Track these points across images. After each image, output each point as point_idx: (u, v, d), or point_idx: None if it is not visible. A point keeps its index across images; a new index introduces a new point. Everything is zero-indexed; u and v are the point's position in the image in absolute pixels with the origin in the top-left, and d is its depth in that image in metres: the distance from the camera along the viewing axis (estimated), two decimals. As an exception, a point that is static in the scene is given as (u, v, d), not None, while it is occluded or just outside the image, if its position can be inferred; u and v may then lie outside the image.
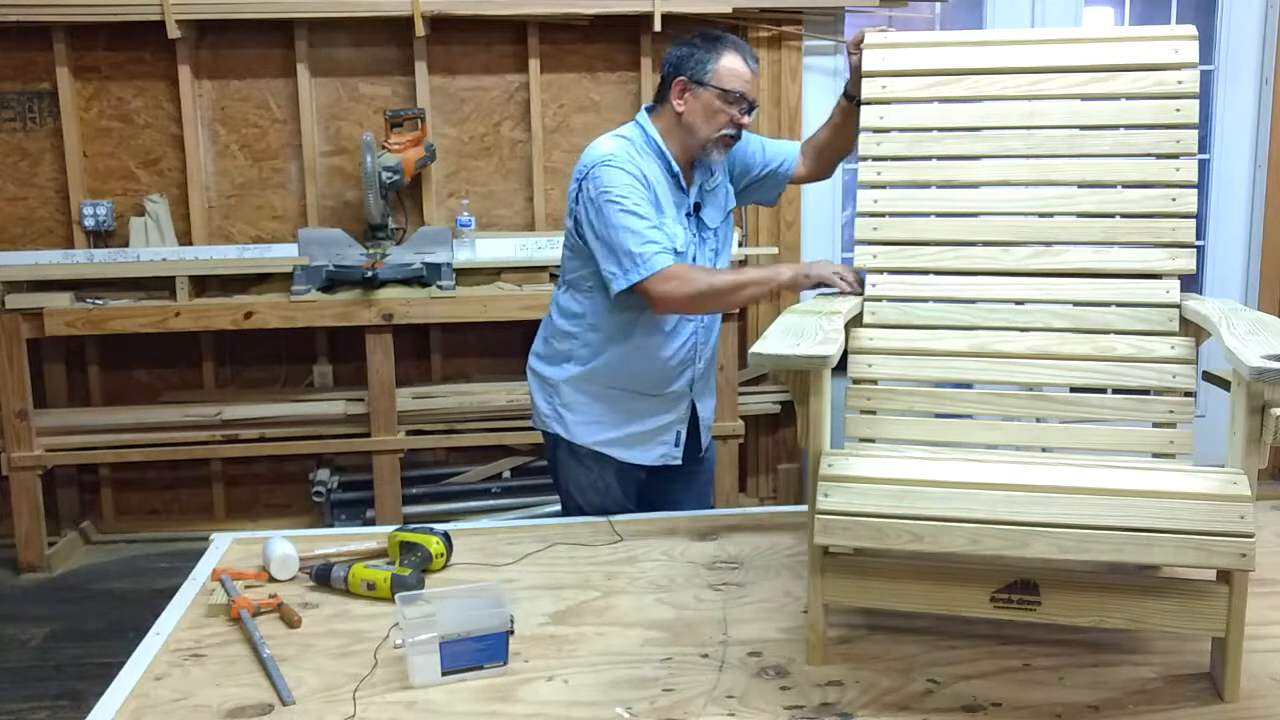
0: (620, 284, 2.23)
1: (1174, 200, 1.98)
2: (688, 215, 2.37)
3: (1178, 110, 2.00)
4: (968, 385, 2.03)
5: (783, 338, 1.74)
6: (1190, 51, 2.01)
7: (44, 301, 3.66)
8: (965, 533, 1.59)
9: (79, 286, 3.75)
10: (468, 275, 3.86)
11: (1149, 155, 2.02)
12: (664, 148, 2.33)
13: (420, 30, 3.78)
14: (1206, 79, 4.28)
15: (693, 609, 1.93)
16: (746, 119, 2.31)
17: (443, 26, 3.90)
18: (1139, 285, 1.97)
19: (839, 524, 1.63)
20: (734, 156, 2.45)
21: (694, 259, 2.38)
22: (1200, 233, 4.41)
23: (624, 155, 2.28)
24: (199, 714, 1.62)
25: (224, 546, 2.22)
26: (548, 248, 3.91)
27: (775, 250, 3.98)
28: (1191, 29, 2.03)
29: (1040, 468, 1.69)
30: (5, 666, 3.12)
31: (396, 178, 3.73)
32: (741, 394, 3.97)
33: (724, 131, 2.30)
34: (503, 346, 4.17)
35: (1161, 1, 4.27)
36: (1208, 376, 2.05)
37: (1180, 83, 2.01)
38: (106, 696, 1.65)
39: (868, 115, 2.12)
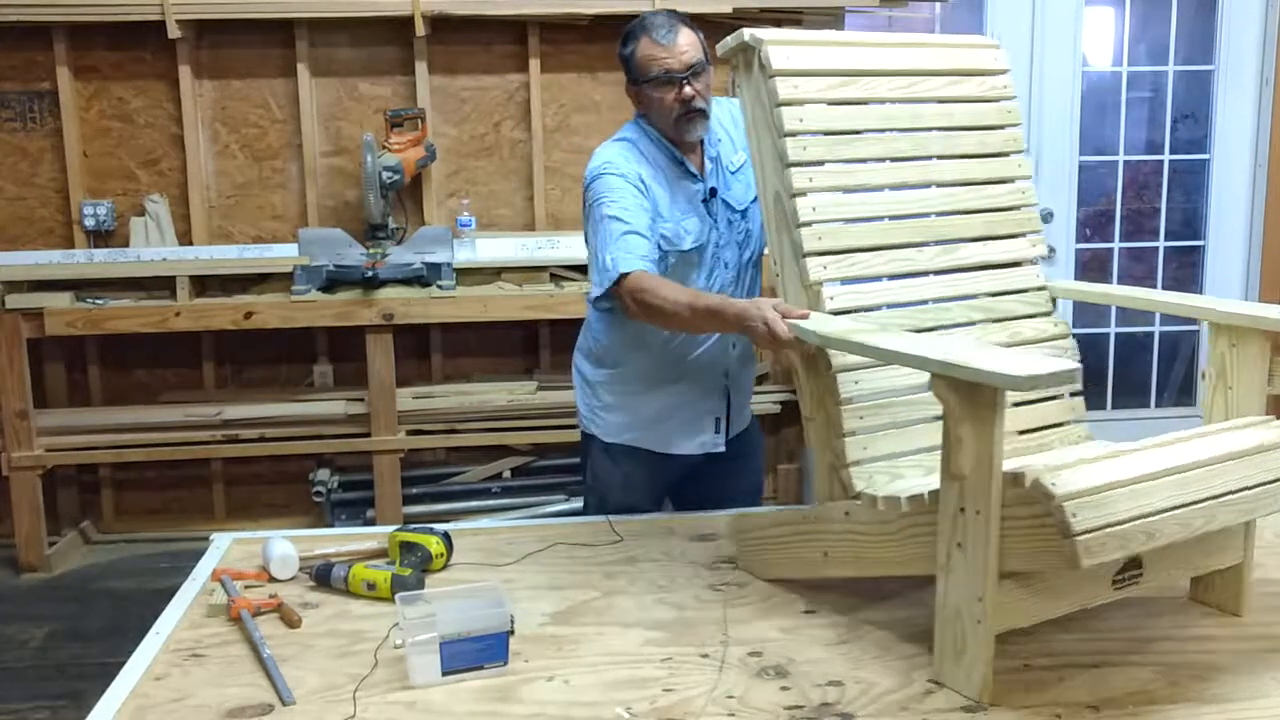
0: (594, 292, 2.24)
1: (1023, 193, 2.17)
2: (704, 202, 2.34)
3: (1009, 111, 2.19)
4: None
5: None
6: (1004, 59, 2.23)
7: (44, 301, 3.66)
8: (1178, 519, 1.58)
9: (79, 286, 3.75)
10: (468, 275, 3.86)
11: (1002, 154, 2.18)
12: (662, 138, 2.33)
13: (420, 30, 3.78)
14: (1206, 79, 4.29)
15: (693, 609, 1.93)
16: (689, 89, 2.24)
17: (443, 26, 3.90)
18: (1018, 272, 2.15)
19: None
20: None
21: (718, 245, 2.35)
22: (1200, 233, 4.43)
23: (620, 160, 2.28)
24: (199, 714, 1.62)
25: (224, 546, 2.22)
26: (548, 248, 3.91)
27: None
28: (995, 41, 2.24)
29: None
30: (5, 666, 3.12)
31: (396, 178, 3.73)
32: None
33: (676, 113, 2.26)
34: (503, 346, 4.17)
35: (1162, 1, 4.27)
36: None
37: (1005, 86, 2.20)
38: (106, 696, 1.65)
39: (789, 118, 1.99)
